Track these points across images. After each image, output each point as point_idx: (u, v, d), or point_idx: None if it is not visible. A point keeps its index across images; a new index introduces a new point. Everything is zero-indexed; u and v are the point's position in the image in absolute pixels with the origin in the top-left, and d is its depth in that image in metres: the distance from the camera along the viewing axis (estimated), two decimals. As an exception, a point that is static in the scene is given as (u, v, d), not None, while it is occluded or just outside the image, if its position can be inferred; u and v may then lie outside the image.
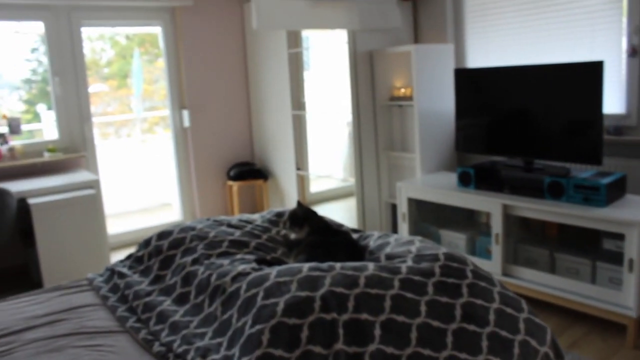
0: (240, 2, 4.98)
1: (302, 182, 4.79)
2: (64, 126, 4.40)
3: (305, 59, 4.67)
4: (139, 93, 5.73)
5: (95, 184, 3.84)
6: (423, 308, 1.71)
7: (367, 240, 2.42)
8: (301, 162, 4.75)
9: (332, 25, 4.01)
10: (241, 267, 2.04)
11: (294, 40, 4.54)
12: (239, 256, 2.23)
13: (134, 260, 2.47)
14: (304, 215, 2.40)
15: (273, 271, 1.88)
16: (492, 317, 1.71)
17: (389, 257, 2.09)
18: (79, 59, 4.39)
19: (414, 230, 3.86)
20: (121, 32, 6.76)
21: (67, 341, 1.94)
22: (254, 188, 5.20)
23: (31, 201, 3.52)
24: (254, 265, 2.10)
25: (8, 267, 4.07)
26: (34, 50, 11.91)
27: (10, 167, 4.06)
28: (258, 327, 1.60)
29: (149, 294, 2.18)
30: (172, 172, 5.01)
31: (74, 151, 4.39)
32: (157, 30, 4.80)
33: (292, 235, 2.41)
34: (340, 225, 2.65)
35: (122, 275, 2.38)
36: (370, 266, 1.88)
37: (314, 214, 2.44)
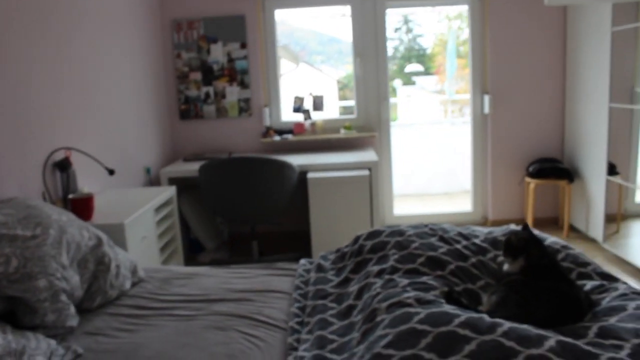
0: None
1: (619, 190, 3.88)
2: (362, 105, 4.54)
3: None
4: (452, 74, 5.51)
5: (373, 165, 3.86)
6: None
7: (604, 295, 1.77)
8: (624, 166, 3.85)
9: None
10: (409, 294, 1.73)
11: (629, 14, 3.60)
12: (425, 278, 1.90)
13: (339, 255, 2.38)
14: (522, 244, 1.88)
15: (423, 313, 1.52)
16: None
17: (603, 333, 1.46)
18: (381, 40, 4.43)
19: None
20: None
21: (237, 323, 1.98)
22: (556, 189, 4.47)
23: (309, 175, 3.76)
24: (431, 295, 1.74)
25: (294, 231, 4.46)
26: (396, 29, 12.66)
27: (310, 141, 4.43)
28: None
29: (325, 296, 2.05)
30: (468, 159, 4.70)
31: (369, 130, 4.51)
32: (464, 9, 4.49)
33: (505, 266, 1.93)
34: (585, 264, 2.00)
35: (320, 269, 2.31)
36: (551, 342, 1.34)
37: (538, 244, 1.89)
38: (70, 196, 2.62)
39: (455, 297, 1.76)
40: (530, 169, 4.30)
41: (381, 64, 4.47)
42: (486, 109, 4.41)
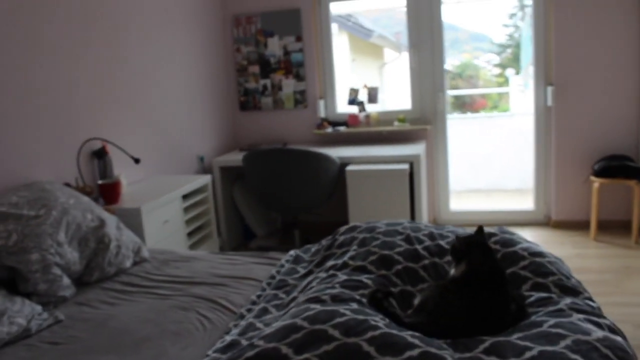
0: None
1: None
2: (417, 97, 4.46)
3: None
4: (525, 65, 5.17)
5: (414, 159, 3.81)
6: None
7: (541, 309, 1.67)
8: None
9: None
10: (331, 291, 1.76)
11: None
12: (365, 276, 1.91)
13: (318, 248, 2.43)
14: (463, 248, 1.82)
15: (315, 310, 1.56)
16: None
17: (491, 348, 1.41)
18: (437, 30, 4.31)
19: None
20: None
21: (201, 305, 2.13)
22: (627, 190, 4.06)
23: (348, 168, 3.80)
24: (357, 293, 1.76)
25: (336, 222, 4.46)
26: (512, 15, 12.14)
27: (362, 133, 4.45)
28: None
29: (282, 287, 2.14)
30: (531, 155, 4.44)
31: (425, 122, 4.43)
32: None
33: (452, 271, 1.88)
34: (546, 274, 1.87)
35: (296, 260, 2.39)
36: (415, 351, 1.32)
37: (482, 250, 1.80)
38: (99, 182, 2.93)
39: (379, 297, 1.75)
40: (596, 166, 3.96)
41: (437, 55, 4.36)
42: (549, 101, 4.13)
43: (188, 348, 1.82)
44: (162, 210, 3.01)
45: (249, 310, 2.01)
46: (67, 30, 2.91)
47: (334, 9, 4.54)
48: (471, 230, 2.05)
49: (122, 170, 3.24)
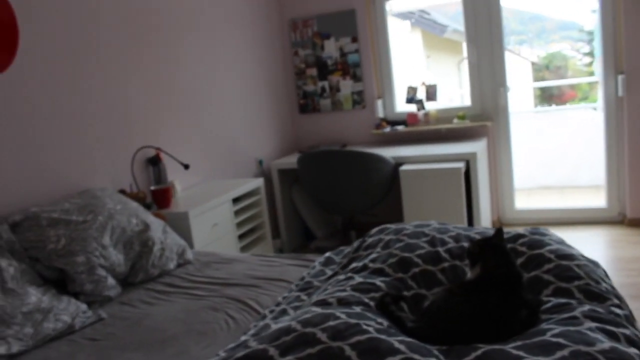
0: None
1: None
2: (477, 93, 4.30)
3: None
4: (601, 53, 4.81)
5: (471, 157, 3.69)
6: None
7: (554, 316, 1.57)
8: None
9: None
10: (339, 294, 1.76)
11: None
12: (379, 279, 1.89)
13: (349, 250, 2.42)
14: (477, 251, 1.75)
15: (313, 313, 1.56)
16: None
17: (482, 357, 1.35)
18: (496, 22, 4.13)
19: None
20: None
21: (231, 306, 2.20)
22: None
23: (402, 168, 3.75)
24: (366, 297, 1.75)
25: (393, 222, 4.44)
26: (594, 11, 11.52)
27: (420, 131, 4.37)
28: None
29: (306, 289, 2.15)
30: (602, 149, 4.15)
31: (485, 119, 4.27)
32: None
33: (468, 274, 1.81)
34: (571, 279, 1.76)
35: (327, 262, 2.40)
36: (397, 358, 1.30)
37: (497, 252, 1.72)
38: (152, 187, 3.10)
39: (387, 301, 1.73)
40: (674, 160, 3.64)
41: (496, 48, 4.18)
42: (620, 92, 3.84)
43: (209, 347, 1.89)
44: (211, 214, 3.13)
45: (272, 312, 2.05)
46: (122, 39, 3.10)
47: (395, 6, 4.51)
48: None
49: (178, 176, 3.40)
